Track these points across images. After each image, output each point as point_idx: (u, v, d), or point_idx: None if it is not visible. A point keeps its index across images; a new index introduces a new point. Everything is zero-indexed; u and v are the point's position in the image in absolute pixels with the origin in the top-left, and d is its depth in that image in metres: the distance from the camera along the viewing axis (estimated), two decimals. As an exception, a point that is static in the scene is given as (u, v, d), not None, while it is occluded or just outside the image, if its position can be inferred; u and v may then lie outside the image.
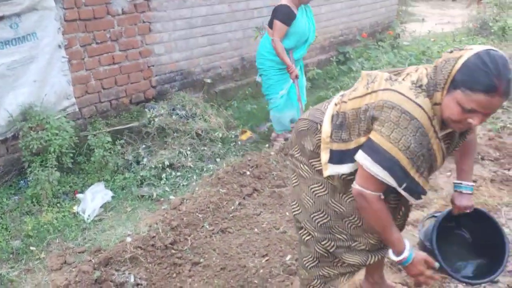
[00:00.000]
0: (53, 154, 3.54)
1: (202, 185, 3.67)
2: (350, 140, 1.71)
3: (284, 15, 4.01)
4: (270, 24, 4.17)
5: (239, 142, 4.47)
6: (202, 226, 3.14)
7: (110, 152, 3.88)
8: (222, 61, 5.58)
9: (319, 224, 1.91)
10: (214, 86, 5.49)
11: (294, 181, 2.00)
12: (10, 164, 3.81)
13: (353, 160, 1.69)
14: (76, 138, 3.85)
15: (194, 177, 3.93)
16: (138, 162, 4.05)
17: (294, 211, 2.02)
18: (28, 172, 3.60)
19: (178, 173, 3.95)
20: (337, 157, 1.76)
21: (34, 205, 3.50)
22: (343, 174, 1.77)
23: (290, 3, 4.04)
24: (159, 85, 4.92)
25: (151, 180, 3.86)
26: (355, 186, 1.67)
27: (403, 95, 1.56)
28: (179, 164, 3.99)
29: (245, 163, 3.86)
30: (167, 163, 3.94)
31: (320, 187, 1.87)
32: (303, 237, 2.00)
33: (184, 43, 5.06)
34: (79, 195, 3.67)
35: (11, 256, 3.03)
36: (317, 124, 1.86)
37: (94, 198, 3.54)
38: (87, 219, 3.39)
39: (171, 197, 3.67)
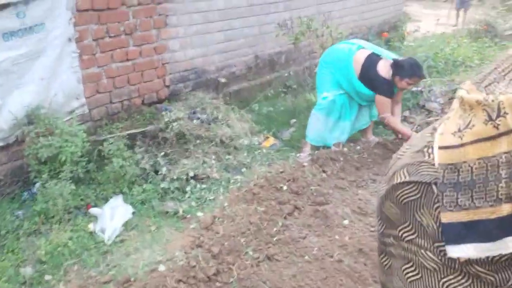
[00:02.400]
0: (67, 164, 3.09)
1: (234, 201, 3.29)
2: (475, 207, 1.13)
3: (388, 92, 3.84)
4: (364, 79, 3.89)
5: (264, 150, 4.10)
6: (246, 253, 2.76)
7: (130, 161, 3.45)
8: (236, 59, 5.17)
9: None
10: (228, 86, 5.08)
11: (411, 275, 1.32)
12: (12, 174, 3.33)
13: (484, 239, 1.12)
14: (88, 144, 3.41)
15: (221, 190, 3.53)
16: (156, 172, 3.63)
17: None
18: (36, 184, 3.14)
19: (203, 186, 3.54)
20: (454, 233, 1.16)
21: (43, 223, 3.05)
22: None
23: (388, 76, 3.80)
24: (172, 85, 4.49)
25: (174, 193, 3.45)
26: None
27: None
28: (203, 175, 3.59)
29: (280, 176, 3.49)
30: (191, 174, 3.53)
31: (459, 280, 1.23)
32: None
33: (200, 38, 4.64)
34: (92, 210, 3.24)
35: (23, 287, 2.58)
36: (431, 186, 1.21)
37: (113, 215, 3.10)
38: (108, 240, 2.96)
39: (199, 213, 3.27)
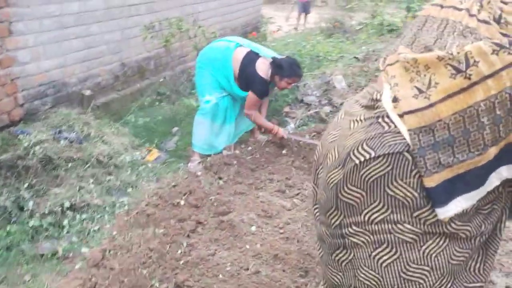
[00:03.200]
0: None
1: (124, 228, 2.84)
2: (459, 161, 1.09)
3: (262, 93, 3.69)
4: (242, 84, 3.74)
5: (149, 165, 3.69)
6: (151, 286, 2.36)
7: (-17, 202, 2.77)
8: (100, 68, 4.64)
9: None
10: (95, 98, 4.52)
11: (386, 258, 1.22)
12: None
13: (472, 187, 1.10)
14: None
15: (106, 217, 3.05)
16: (21, 208, 2.99)
17: None
18: None
19: (84, 216, 3.02)
20: (443, 193, 1.11)
21: None
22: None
23: (266, 75, 3.65)
24: (27, 103, 3.81)
25: (49, 230, 2.87)
26: None
27: None
28: (82, 203, 3.06)
29: (175, 190, 3.13)
30: (67, 204, 2.98)
31: (438, 242, 1.18)
32: None
33: (55, 47, 4.03)
34: None
35: None
36: (403, 154, 1.14)
37: (-30, 273, 2.44)
38: (-34, 306, 2.31)
39: (84, 249, 2.76)
